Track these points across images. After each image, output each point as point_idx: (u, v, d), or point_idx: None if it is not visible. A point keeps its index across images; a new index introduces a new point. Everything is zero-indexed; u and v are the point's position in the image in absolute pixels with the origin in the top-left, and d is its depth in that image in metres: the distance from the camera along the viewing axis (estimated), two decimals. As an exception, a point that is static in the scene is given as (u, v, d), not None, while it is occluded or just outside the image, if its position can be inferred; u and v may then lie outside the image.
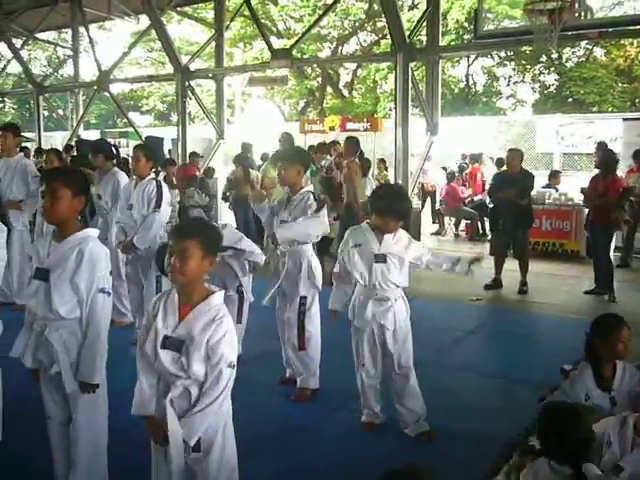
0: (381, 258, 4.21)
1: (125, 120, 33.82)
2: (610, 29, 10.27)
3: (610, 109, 25.39)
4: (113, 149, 6.92)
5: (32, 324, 3.34)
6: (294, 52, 13.69)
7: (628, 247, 10.17)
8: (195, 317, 2.75)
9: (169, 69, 26.44)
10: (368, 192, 8.51)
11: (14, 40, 17.53)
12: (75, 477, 3.34)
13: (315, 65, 25.15)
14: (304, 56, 23.54)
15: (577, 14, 8.86)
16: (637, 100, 27.31)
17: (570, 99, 27.44)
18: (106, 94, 16.81)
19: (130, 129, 19.24)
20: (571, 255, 11.02)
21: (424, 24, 12.35)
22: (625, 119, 12.49)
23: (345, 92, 31.04)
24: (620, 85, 27.33)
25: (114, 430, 3.50)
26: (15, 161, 7.25)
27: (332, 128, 13.12)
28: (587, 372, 3.52)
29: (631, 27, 10.30)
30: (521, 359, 5.97)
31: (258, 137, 22.91)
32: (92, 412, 3.35)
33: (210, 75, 15.39)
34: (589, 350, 3.56)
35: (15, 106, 36.32)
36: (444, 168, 14.65)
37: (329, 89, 31.10)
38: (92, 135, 19.68)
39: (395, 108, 12.24)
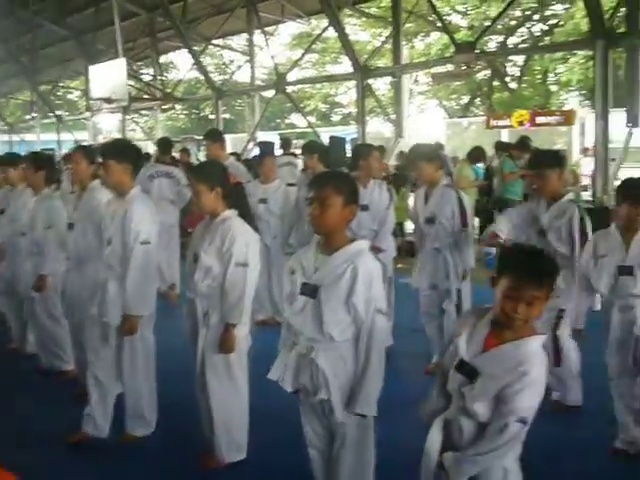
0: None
1: (287, 122, 34.76)
2: None
3: None
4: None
5: (293, 344, 3.11)
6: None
7: None
8: (499, 355, 2.42)
9: (333, 70, 26.56)
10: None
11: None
12: None
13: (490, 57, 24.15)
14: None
15: None
16: None
17: None
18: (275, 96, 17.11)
19: (301, 130, 19.42)
20: None
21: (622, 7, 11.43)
22: None
23: (512, 85, 29.81)
24: None
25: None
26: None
27: (521, 123, 12.41)
28: None
29: None
30: None
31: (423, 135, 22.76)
32: (362, 445, 3.08)
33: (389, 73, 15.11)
34: None
35: (186, 111, 38.09)
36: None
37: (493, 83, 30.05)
38: (268, 137, 20.05)
39: (593, 100, 11.41)
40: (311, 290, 3.00)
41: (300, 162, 9.25)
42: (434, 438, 2.54)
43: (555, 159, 4.77)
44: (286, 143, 11.62)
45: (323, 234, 3.06)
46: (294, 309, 3.06)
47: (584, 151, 14.20)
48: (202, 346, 3.80)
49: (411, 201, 10.54)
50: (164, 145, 9.33)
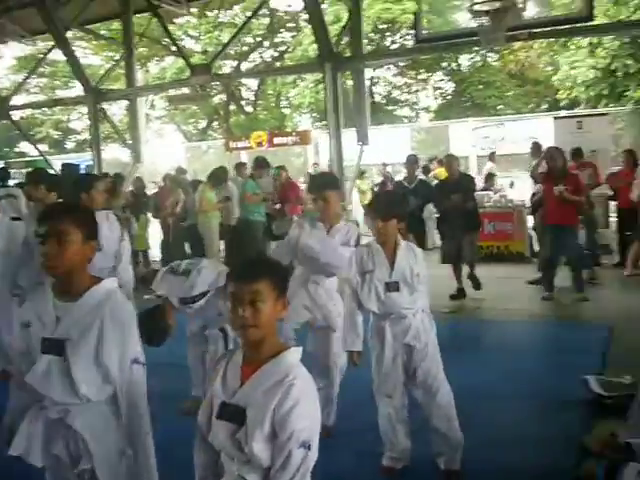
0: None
1: (17, 151, 32.14)
2: (539, 30, 10.31)
3: (510, 111, 26.02)
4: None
5: (39, 408, 2.56)
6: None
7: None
8: (258, 380, 2.18)
9: (64, 94, 25.14)
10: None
11: None
12: None
13: (224, 80, 24.42)
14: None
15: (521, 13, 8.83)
16: (530, 104, 28.06)
17: (469, 103, 27.97)
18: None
19: (32, 159, 18.03)
20: (516, 256, 10.97)
21: (346, 34, 12.14)
22: (556, 118, 12.76)
23: (248, 109, 30.58)
24: (515, 88, 28.08)
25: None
26: None
27: (259, 144, 12.60)
28: None
29: (559, 27, 10.44)
30: (522, 372, 5.64)
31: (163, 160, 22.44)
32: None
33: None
34: None
35: None
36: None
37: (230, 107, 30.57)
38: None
39: (327, 120, 11.92)
40: (55, 346, 2.49)
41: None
42: None
43: (335, 181, 4.71)
44: (4, 173, 10.50)
45: (60, 276, 2.56)
46: (36, 371, 2.51)
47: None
48: None
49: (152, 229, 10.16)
50: None
